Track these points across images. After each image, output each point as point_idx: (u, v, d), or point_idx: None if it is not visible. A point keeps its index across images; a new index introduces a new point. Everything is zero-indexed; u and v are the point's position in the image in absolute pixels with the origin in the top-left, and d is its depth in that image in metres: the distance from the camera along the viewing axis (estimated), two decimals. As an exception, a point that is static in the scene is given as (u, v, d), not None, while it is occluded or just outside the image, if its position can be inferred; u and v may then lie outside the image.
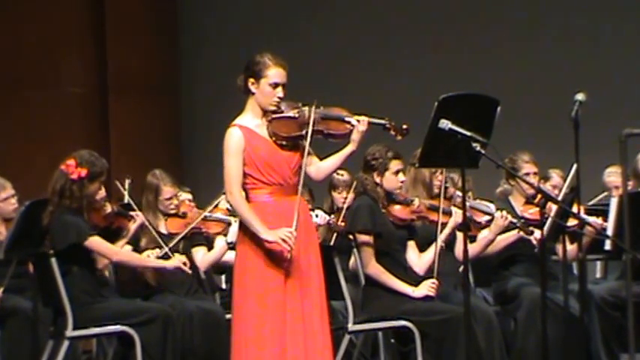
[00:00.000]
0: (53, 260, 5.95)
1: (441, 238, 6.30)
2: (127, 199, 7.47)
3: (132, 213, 6.40)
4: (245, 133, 5.20)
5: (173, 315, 6.12)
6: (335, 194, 7.33)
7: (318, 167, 5.33)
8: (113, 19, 10.48)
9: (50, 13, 10.17)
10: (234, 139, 5.19)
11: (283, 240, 5.09)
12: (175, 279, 6.40)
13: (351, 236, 6.28)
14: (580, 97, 5.57)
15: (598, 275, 7.65)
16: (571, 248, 6.44)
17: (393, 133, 5.34)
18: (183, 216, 6.55)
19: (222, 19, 10.89)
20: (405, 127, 5.31)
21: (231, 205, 5.37)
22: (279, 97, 5.21)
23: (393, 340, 6.48)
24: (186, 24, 11.02)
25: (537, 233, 6.38)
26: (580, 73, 9.09)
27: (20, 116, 9.97)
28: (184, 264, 6.20)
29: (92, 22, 10.45)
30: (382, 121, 5.32)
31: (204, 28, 10.99)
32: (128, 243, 6.35)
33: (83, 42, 10.41)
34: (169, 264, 6.19)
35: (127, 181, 7.76)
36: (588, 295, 6.48)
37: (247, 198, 5.28)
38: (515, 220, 6.46)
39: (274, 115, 5.22)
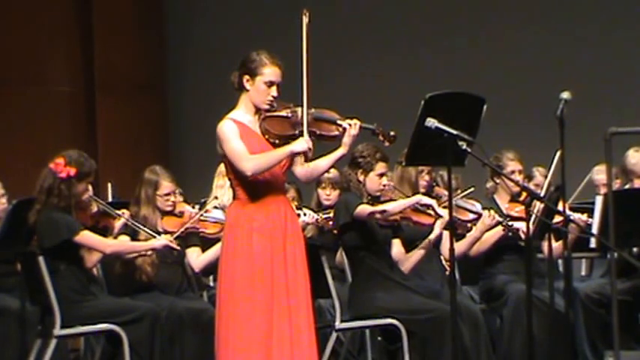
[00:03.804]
0: (41, 259, 5.95)
1: (430, 239, 6.33)
2: (110, 199, 7.50)
3: (117, 212, 6.40)
4: (239, 126, 5.22)
5: (161, 314, 6.13)
6: (319, 190, 7.36)
7: (306, 169, 5.34)
8: (100, 18, 10.48)
9: (37, 11, 10.17)
10: (230, 127, 5.19)
11: (309, 148, 5.12)
12: (167, 277, 6.41)
13: (336, 231, 6.32)
14: (565, 95, 5.60)
15: (583, 273, 7.70)
16: (556, 245, 6.47)
17: (381, 138, 5.35)
18: (180, 215, 6.55)
19: (209, 18, 10.90)
20: (392, 133, 5.33)
21: (255, 173, 5.13)
22: (273, 96, 5.23)
23: (380, 338, 6.51)
24: (173, 23, 11.03)
25: (522, 225, 6.41)
26: (566, 72, 9.13)
27: (7, 114, 9.96)
28: (171, 241, 6.20)
29: (79, 21, 10.45)
30: (371, 127, 5.33)
31: (191, 27, 10.99)
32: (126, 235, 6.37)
33: (70, 41, 10.41)
34: (157, 243, 6.18)
35: (110, 185, 7.79)
36: (574, 293, 6.52)
37: (234, 195, 5.29)
38: (501, 219, 6.50)
39: (268, 114, 5.24)
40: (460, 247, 6.40)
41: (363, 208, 6.11)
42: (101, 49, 10.48)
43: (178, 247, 6.26)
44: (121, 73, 10.58)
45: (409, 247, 6.44)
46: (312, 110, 5.21)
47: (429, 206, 6.23)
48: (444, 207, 6.26)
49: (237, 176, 5.23)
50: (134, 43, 10.68)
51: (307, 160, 5.18)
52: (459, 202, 6.51)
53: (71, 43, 10.42)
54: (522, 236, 6.46)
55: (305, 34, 5.23)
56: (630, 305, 6.60)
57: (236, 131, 5.19)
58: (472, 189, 6.77)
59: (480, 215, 6.49)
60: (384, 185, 6.27)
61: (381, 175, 6.24)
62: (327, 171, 5.65)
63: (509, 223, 6.50)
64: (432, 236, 6.33)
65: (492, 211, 6.49)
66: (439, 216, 6.25)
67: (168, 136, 10.99)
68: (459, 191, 6.89)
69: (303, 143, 5.13)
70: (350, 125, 5.23)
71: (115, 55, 10.54)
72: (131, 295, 6.36)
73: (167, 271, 6.43)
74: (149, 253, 6.25)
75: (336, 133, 5.22)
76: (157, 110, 10.89)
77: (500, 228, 6.57)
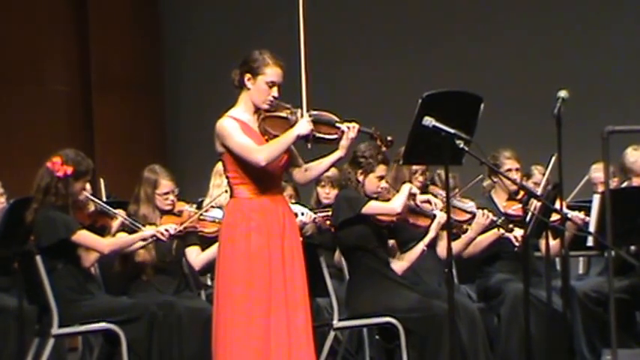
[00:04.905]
0: (38, 258, 5.95)
1: (425, 241, 6.33)
2: (104, 198, 7.49)
3: (114, 211, 6.39)
4: (240, 124, 5.22)
5: (159, 313, 6.13)
6: (319, 189, 7.37)
7: (304, 170, 5.34)
8: (96, 18, 10.49)
9: (34, 11, 10.17)
10: (232, 124, 5.19)
11: (312, 130, 5.12)
12: (166, 276, 6.41)
13: (333, 229, 6.33)
14: (563, 94, 5.61)
15: (580, 271, 7.70)
16: (554, 244, 6.48)
17: (378, 143, 5.35)
18: (179, 214, 6.54)
19: (206, 16, 10.90)
20: (390, 138, 5.33)
21: (269, 162, 5.12)
22: (273, 97, 5.23)
23: (377, 337, 6.52)
24: (169, 21, 11.03)
25: (518, 232, 6.42)
26: (563, 70, 9.14)
27: (4, 114, 9.96)
28: (158, 232, 6.20)
29: (75, 21, 10.45)
30: (370, 130, 5.33)
31: (188, 26, 11.00)
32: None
33: (67, 40, 10.43)
34: (146, 233, 6.17)
35: (102, 182, 7.79)
36: (571, 291, 6.52)
37: (232, 194, 5.29)
38: (495, 218, 6.51)
39: (267, 114, 5.24)
40: (455, 247, 6.38)
41: (370, 206, 6.12)
42: (98, 48, 10.49)
43: (165, 239, 6.24)
44: (118, 72, 10.60)
45: (406, 245, 6.45)
46: (312, 112, 5.21)
47: (414, 195, 6.25)
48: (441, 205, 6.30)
49: (237, 174, 5.22)
50: (131, 42, 10.70)
51: (309, 142, 5.16)
52: (453, 201, 6.51)
53: (68, 43, 10.43)
54: (515, 242, 6.48)
55: (302, 15, 5.23)
56: (628, 303, 6.61)
57: (238, 127, 5.19)
58: (480, 177, 6.80)
59: (474, 215, 6.50)
60: (382, 188, 6.27)
61: (381, 177, 6.25)
62: (324, 174, 5.65)
63: (505, 223, 6.50)
64: (427, 239, 6.33)
65: (486, 210, 6.50)
66: (416, 205, 6.28)
67: (165, 135, 11.00)
68: (457, 190, 6.90)
69: (305, 125, 5.12)
70: (349, 128, 5.22)
71: (111, 54, 10.55)
72: (129, 294, 6.36)
73: (165, 270, 6.43)
74: (142, 244, 6.24)
75: (335, 136, 5.21)
76: (154, 109, 10.90)
77: (493, 232, 6.58)
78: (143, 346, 6.06)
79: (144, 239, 6.19)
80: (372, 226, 6.23)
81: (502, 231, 6.52)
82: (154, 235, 6.17)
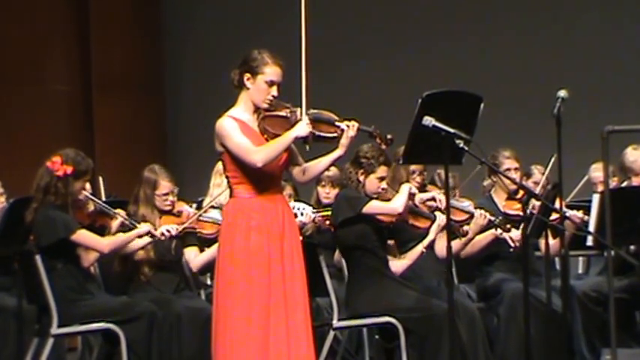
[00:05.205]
0: (38, 257, 5.96)
1: (424, 243, 6.33)
2: (103, 197, 7.49)
3: (114, 211, 6.39)
4: (239, 124, 5.22)
5: (159, 313, 6.13)
6: (319, 188, 7.37)
7: (303, 169, 5.34)
8: (98, 18, 10.49)
9: (35, 11, 10.17)
10: (231, 124, 5.20)
11: (311, 131, 5.13)
12: (165, 276, 6.41)
13: (333, 229, 6.34)
14: (562, 94, 5.61)
15: (580, 271, 7.70)
16: (554, 243, 6.48)
17: (378, 141, 5.35)
18: (178, 215, 6.54)
19: (206, 17, 10.90)
20: (389, 137, 5.33)
21: (266, 163, 5.13)
22: (273, 96, 5.24)
23: (377, 337, 6.52)
24: (170, 22, 11.03)
25: (515, 232, 6.42)
26: (563, 70, 9.13)
27: (5, 114, 9.96)
28: (155, 229, 6.20)
29: (77, 21, 10.46)
30: (369, 129, 5.33)
31: (188, 26, 11.00)
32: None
33: (67, 40, 10.42)
34: (142, 230, 6.17)
35: (101, 181, 7.79)
36: (570, 291, 6.52)
37: (231, 193, 5.29)
38: (493, 218, 6.51)
39: (267, 113, 5.25)
40: (453, 247, 6.36)
41: (371, 206, 6.12)
42: (98, 47, 10.49)
43: (161, 236, 6.24)
44: (119, 72, 10.60)
45: (405, 245, 6.45)
46: (311, 111, 5.21)
47: (413, 195, 6.26)
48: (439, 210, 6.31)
49: (237, 173, 5.22)
50: (131, 42, 10.70)
51: (308, 144, 5.16)
52: (452, 201, 6.50)
53: (68, 42, 10.43)
54: (511, 243, 6.48)
55: (303, 14, 5.24)
56: (627, 303, 6.61)
57: (237, 127, 5.19)
58: (479, 168, 6.82)
59: (472, 215, 6.49)
60: (383, 189, 6.28)
61: (381, 178, 6.26)
62: (324, 172, 5.65)
63: (503, 223, 6.50)
64: (426, 241, 6.33)
65: (483, 210, 6.50)
66: (415, 205, 6.29)
67: (166, 135, 11.00)
68: (456, 189, 6.90)
69: (304, 127, 5.13)
70: (348, 127, 5.23)
71: (112, 54, 10.55)
72: (129, 294, 6.36)
73: (165, 269, 6.43)
74: (142, 243, 6.24)
75: (335, 134, 5.22)
76: (155, 109, 10.89)
77: (491, 232, 6.58)
78: (143, 346, 6.06)
79: (139, 236, 6.19)
80: (372, 226, 6.23)
81: (499, 231, 6.52)
82: (150, 232, 6.18)
